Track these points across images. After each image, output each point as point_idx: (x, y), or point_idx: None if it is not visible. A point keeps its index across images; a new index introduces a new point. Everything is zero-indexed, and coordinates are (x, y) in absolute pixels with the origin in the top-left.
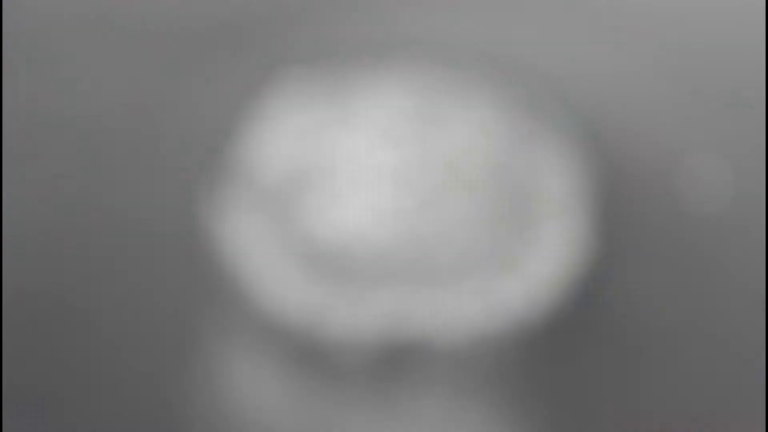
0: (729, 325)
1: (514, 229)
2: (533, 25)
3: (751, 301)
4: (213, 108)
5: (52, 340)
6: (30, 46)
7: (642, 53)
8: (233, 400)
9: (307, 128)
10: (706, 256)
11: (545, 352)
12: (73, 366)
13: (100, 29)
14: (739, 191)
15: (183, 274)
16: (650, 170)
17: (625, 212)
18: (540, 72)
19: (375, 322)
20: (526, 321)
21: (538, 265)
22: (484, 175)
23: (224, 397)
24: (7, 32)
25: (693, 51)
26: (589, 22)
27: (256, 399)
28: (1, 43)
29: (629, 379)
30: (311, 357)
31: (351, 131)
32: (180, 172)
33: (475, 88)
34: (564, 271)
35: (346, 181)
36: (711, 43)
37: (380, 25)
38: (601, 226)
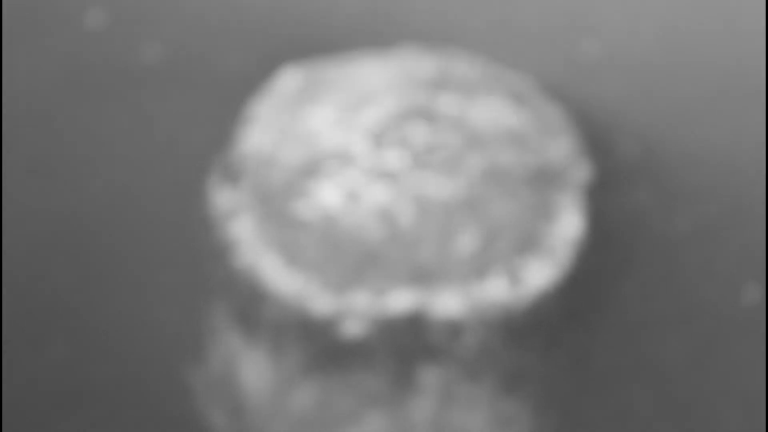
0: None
1: (520, 216)
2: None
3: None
4: (210, 101)
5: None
6: None
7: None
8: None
9: (306, 125)
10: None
11: (558, 324)
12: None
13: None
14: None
15: (189, 263)
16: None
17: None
18: (533, 63)
19: (390, 310)
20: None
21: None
22: (490, 169)
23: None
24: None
25: None
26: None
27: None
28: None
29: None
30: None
31: (350, 127)
32: (181, 167)
33: (473, 78)
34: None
35: (352, 175)
36: None
37: (377, 18)
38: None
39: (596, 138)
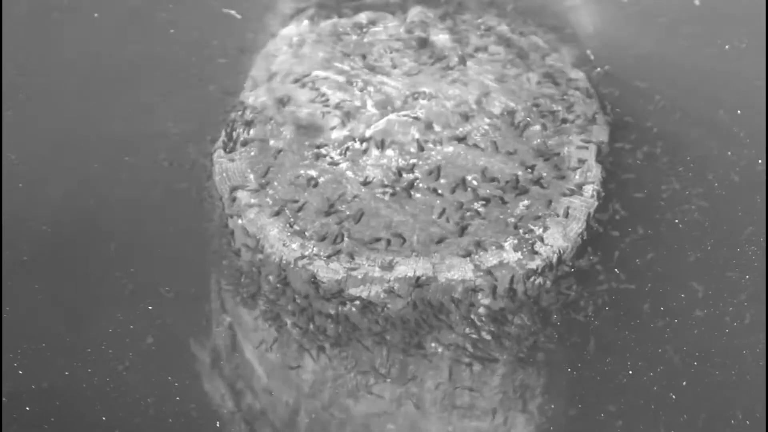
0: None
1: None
2: None
3: None
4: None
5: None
6: None
7: None
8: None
9: (313, 87)
10: None
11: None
12: None
13: None
14: None
15: (194, 232)
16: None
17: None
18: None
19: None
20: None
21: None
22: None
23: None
24: None
25: None
26: None
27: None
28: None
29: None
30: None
31: (358, 89)
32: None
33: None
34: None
35: (360, 139)
36: None
37: None
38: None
39: (614, 100)
